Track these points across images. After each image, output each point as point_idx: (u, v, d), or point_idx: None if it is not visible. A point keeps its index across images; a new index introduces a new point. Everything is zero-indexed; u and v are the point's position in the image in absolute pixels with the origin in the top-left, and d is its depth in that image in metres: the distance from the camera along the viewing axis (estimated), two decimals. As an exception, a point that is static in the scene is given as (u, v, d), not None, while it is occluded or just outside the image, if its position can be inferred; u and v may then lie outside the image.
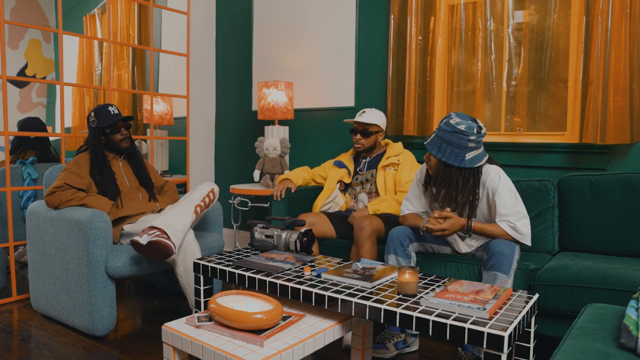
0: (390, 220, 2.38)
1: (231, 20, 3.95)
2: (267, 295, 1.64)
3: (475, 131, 1.86)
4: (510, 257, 1.80)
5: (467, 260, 2.06)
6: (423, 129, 2.88)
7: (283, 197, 2.62)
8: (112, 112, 2.41)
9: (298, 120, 3.57)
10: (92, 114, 2.41)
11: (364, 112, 2.60)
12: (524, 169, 2.61)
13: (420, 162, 2.96)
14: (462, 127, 1.86)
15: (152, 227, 2.02)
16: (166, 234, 2.01)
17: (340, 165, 2.69)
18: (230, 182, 4.04)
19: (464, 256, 2.11)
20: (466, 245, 2.12)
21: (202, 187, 2.27)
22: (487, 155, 1.96)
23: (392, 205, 2.45)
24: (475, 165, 1.90)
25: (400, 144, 2.66)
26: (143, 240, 1.97)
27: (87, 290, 2.14)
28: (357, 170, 2.65)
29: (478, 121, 1.91)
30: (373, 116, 2.57)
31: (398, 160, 2.53)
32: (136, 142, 4.18)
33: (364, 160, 2.66)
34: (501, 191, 1.91)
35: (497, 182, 1.92)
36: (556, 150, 2.51)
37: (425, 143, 1.96)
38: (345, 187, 2.69)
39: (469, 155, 1.88)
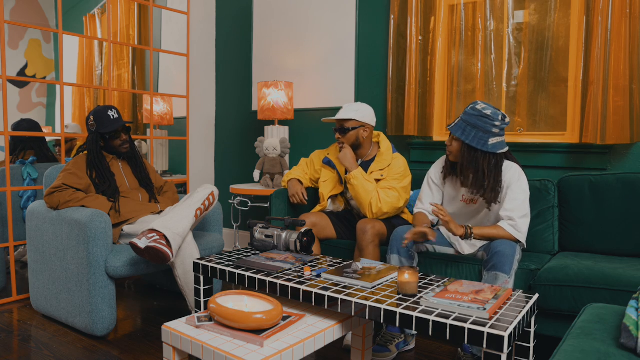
0: (393, 224, 2.38)
1: (231, 20, 3.95)
2: (267, 295, 1.64)
3: (500, 118, 1.91)
4: (511, 257, 1.80)
5: (467, 260, 2.06)
6: (423, 128, 2.88)
7: (307, 198, 2.52)
8: (112, 117, 2.38)
9: (298, 120, 3.57)
10: (92, 117, 2.39)
11: (342, 107, 2.43)
12: (524, 169, 2.60)
13: (416, 161, 2.97)
14: (488, 112, 1.91)
15: (152, 230, 2.02)
16: (165, 237, 2.01)
17: (330, 164, 2.55)
18: (230, 182, 4.04)
19: (465, 256, 2.11)
20: (469, 247, 2.12)
21: (202, 190, 2.27)
22: (508, 147, 2.00)
23: (367, 191, 2.29)
24: (498, 152, 1.93)
25: (389, 151, 2.43)
26: (142, 244, 1.97)
27: (87, 290, 2.13)
28: (347, 174, 2.41)
29: (501, 111, 1.96)
30: (347, 111, 2.37)
31: (382, 176, 2.36)
32: (136, 142, 4.18)
33: None
34: (515, 187, 1.95)
35: (515, 179, 1.96)
36: (556, 150, 2.51)
37: (449, 127, 1.99)
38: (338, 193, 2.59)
39: (492, 141, 1.91)
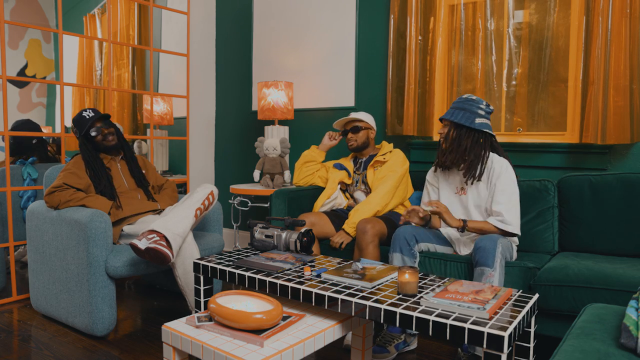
0: (393, 223, 2.39)
1: (231, 20, 3.95)
2: (267, 295, 1.64)
3: (484, 103, 2.12)
4: (492, 251, 1.84)
5: (467, 260, 2.06)
6: (423, 128, 2.88)
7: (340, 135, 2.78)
8: (87, 117, 2.41)
9: (298, 120, 3.57)
10: (72, 126, 2.44)
11: (349, 114, 2.73)
12: (524, 169, 2.61)
13: (416, 161, 2.97)
14: (473, 97, 2.14)
15: (152, 231, 2.02)
16: (166, 238, 2.01)
17: (340, 167, 2.71)
18: (230, 182, 4.04)
19: (464, 256, 2.11)
20: (466, 247, 2.14)
21: (202, 189, 2.26)
22: (494, 134, 2.14)
23: (364, 211, 2.42)
24: (484, 130, 2.08)
25: (391, 145, 2.66)
26: (142, 245, 1.97)
27: (87, 290, 2.13)
28: (355, 171, 2.70)
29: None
30: (358, 113, 2.66)
31: (384, 159, 2.56)
32: (136, 142, 4.18)
33: (360, 161, 2.70)
34: (503, 179, 2.05)
35: (502, 171, 2.07)
36: (556, 150, 2.51)
37: (439, 118, 2.16)
38: (346, 188, 2.70)
39: (479, 120, 2.08)
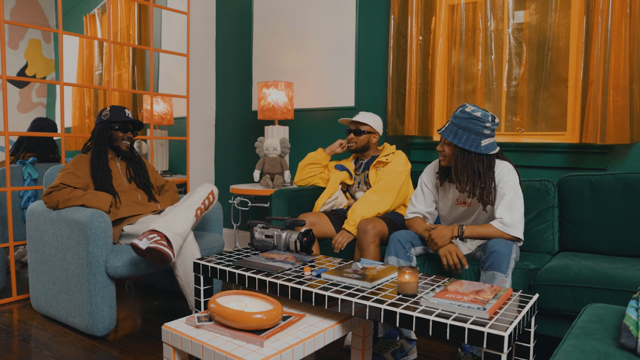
0: (394, 223, 2.39)
1: (231, 20, 3.95)
2: (267, 295, 1.64)
3: (490, 119, 1.91)
4: (507, 257, 1.80)
5: (466, 260, 2.06)
6: (424, 128, 2.88)
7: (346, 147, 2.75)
8: (126, 113, 2.52)
9: (298, 120, 3.57)
10: (107, 108, 2.50)
11: (358, 113, 2.69)
12: (524, 169, 2.61)
13: (416, 161, 2.97)
14: (478, 114, 1.90)
15: (153, 231, 2.02)
16: (166, 238, 2.01)
17: (342, 168, 2.72)
18: (230, 182, 4.04)
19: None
20: (465, 248, 2.13)
21: (202, 189, 2.26)
22: (498, 147, 2.00)
23: (361, 209, 2.41)
24: (490, 153, 1.94)
25: (393, 146, 2.65)
26: (142, 244, 1.97)
27: (87, 290, 2.14)
28: (355, 171, 2.70)
29: (490, 113, 1.96)
30: (365, 117, 2.63)
31: (386, 159, 2.55)
32: (136, 142, 4.18)
33: (361, 162, 2.70)
34: (503, 184, 1.95)
35: (504, 173, 1.96)
36: (556, 150, 2.51)
37: (439, 131, 1.97)
38: (347, 188, 2.70)
39: (485, 142, 1.91)
